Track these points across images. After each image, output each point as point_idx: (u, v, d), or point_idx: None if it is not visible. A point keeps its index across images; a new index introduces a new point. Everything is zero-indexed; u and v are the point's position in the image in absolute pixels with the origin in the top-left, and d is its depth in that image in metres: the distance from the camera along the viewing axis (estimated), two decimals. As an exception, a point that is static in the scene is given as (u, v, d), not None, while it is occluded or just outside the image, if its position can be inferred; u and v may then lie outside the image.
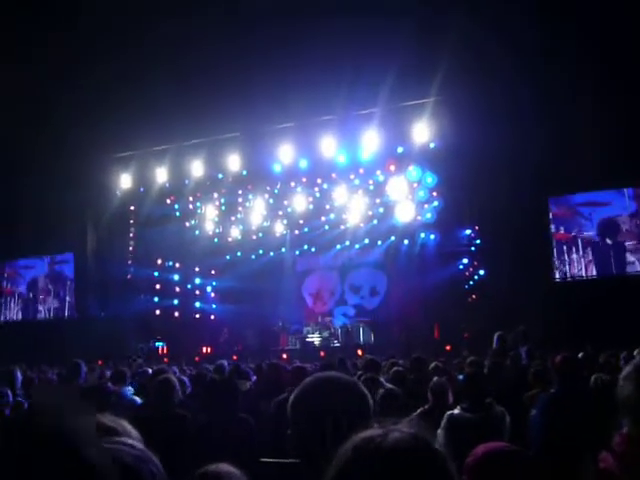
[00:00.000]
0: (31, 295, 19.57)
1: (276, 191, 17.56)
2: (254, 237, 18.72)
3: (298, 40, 12.82)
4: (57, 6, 13.23)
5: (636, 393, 1.28)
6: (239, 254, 18.85)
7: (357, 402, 1.51)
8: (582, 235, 14.55)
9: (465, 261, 15.99)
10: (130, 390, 6.19)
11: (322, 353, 14.93)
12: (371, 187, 16.87)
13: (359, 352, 14.03)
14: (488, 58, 12.49)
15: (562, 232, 14.77)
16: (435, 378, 4.99)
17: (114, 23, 13.42)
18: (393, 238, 17.64)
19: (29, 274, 19.80)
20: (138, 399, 6.06)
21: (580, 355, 6.44)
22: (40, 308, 19.41)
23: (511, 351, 7.08)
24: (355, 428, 1.45)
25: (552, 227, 14.82)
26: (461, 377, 5.07)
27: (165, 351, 17.72)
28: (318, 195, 17.35)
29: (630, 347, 6.53)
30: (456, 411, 4.17)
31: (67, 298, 19.11)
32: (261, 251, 19.06)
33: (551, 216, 14.83)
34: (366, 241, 18.05)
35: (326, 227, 18.10)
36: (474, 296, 15.17)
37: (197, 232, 18.49)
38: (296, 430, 1.49)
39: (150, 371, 7.44)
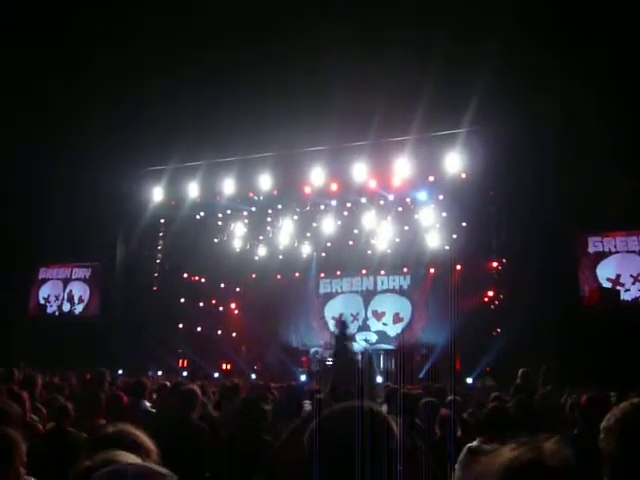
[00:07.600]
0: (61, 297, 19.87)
1: (305, 212, 17.66)
2: (280, 257, 18.79)
3: (334, 66, 13.02)
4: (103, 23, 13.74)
5: (618, 447, 1.28)
6: (265, 273, 18.95)
7: (384, 430, 1.54)
8: None
9: (490, 293, 15.80)
10: (146, 402, 6.27)
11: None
12: (400, 214, 16.87)
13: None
14: (521, 90, 12.53)
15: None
16: (442, 410, 5.05)
17: (153, 45, 13.78)
18: (419, 265, 17.58)
19: (56, 282, 20.14)
20: (153, 410, 6.14)
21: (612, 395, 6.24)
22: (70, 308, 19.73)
23: (534, 389, 6.97)
24: (381, 455, 1.48)
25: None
26: (484, 411, 5.05)
27: (185, 364, 17.80)
28: (347, 219, 17.40)
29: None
30: (475, 443, 4.15)
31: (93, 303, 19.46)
32: (286, 271, 19.13)
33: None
34: (392, 267, 18.02)
35: (353, 251, 18.11)
36: (499, 329, 14.93)
37: (225, 249, 18.60)
38: (323, 457, 1.46)
39: (168, 384, 7.53)
